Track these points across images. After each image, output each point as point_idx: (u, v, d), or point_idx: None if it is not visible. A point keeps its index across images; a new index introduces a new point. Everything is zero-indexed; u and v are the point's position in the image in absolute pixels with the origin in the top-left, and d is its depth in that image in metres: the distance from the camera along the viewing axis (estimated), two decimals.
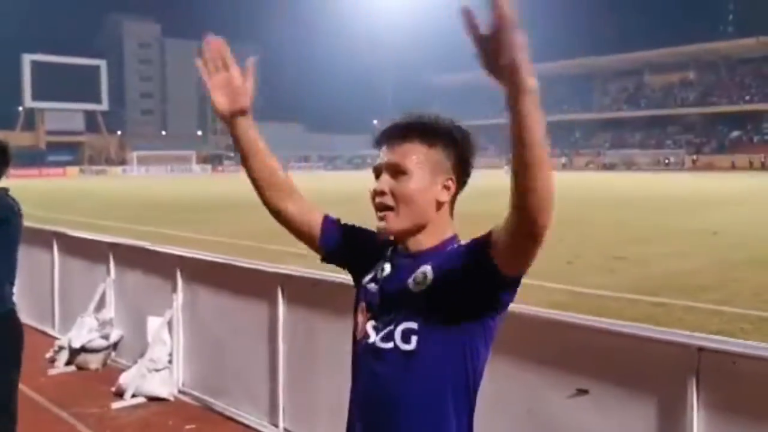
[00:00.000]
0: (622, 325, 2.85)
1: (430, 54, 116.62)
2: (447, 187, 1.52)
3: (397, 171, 1.50)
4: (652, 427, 2.66)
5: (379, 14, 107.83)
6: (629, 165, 73.05)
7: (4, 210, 2.98)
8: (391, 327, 1.49)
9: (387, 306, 1.52)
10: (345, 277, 3.92)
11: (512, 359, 2.96)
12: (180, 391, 5.06)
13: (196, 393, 4.97)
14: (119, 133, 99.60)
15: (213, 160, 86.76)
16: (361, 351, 1.58)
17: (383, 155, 1.54)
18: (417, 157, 1.50)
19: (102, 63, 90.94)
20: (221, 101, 1.63)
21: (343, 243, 1.72)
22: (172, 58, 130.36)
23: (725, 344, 2.55)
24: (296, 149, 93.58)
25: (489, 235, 1.39)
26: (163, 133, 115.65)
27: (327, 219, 1.74)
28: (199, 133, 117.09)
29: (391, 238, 1.57)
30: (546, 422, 2.97)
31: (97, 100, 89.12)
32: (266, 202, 1.72)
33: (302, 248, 1.89)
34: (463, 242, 1.52)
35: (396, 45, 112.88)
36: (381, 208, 1.52)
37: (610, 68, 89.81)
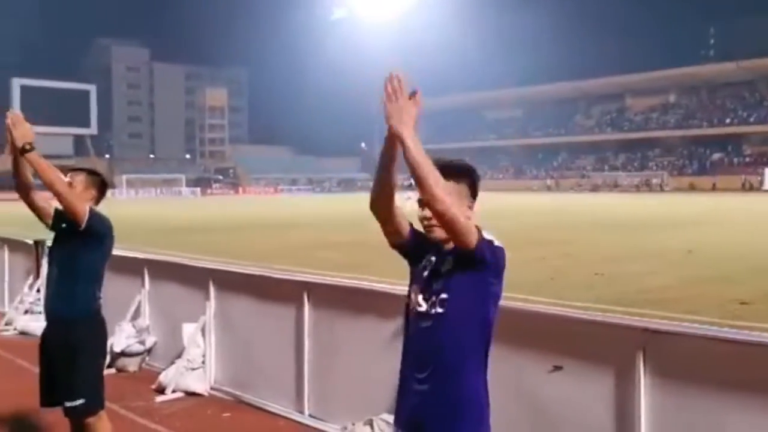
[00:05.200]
0: (585, 313, 3.66)
1: (416, 77, 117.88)
2: (470, 207, 2.32)
3: None
4: (611, 392, 3.46)
5: (367, 38, 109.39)
6: (612, 186, 74.46)
7: (103, 227, 3.73)
8: (434, 298, 2.28)
9: (431, 284, 2.30)
10: (362, 283, 4.73)
11: (502, 345, 3.73)
12: (212, 388, 5.80)
13: (227, 388, 5.71)
14: (107, 156, 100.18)
15: (202, 183, 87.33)
16: (414, 316, 2.35)
17: None
18: (449, 191, 2.26)
19: (92, 87, 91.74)
20: (401, 126, 2.09)
21: (413, 242, 2.43)
22: (160, 82, 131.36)
23: (665, 325, 3.36)
24: (285, 172, 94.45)
25: None
26: (151, 156, 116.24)
27: (412, 226, 2.44)
28: (188, 156, 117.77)
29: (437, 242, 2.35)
30: (530, 393, 3.75)
31: (86, 124, 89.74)
32: (379, 198, 2.31)
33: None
34: None
35: (383, 68, 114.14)
36: (430, 226, 2.31)
37: (593, 92, 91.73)
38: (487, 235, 2.24)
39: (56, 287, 3.74)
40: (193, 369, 5.78)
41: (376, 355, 4.51)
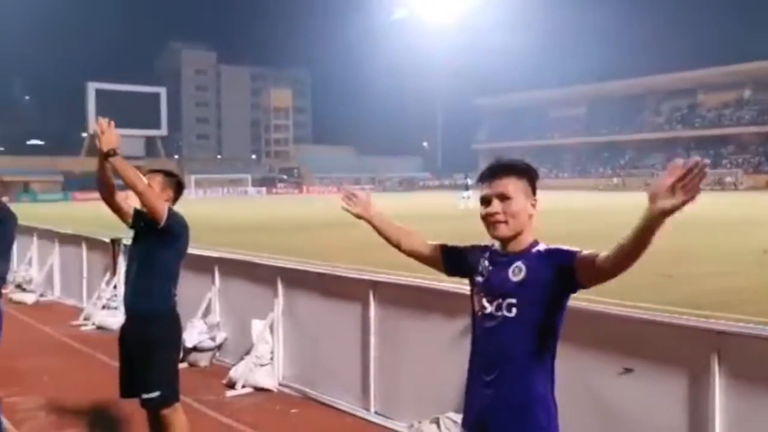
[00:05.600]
0: (657, 315, 3.60)
1: (476, 77, 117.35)
2: (533, 205, 2.31)
3: (503, 197, 2.27)
4: (684, 396, 3.38)
5: (428, 38, 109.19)
6: None
7: (179, 226, 3.87)
8: (500, 301, 2.26)
9: (495, 289, 2.29)
10: (428, 281, 4.73)
11: (571, 345, 3.70)
12: (281, 384, 5.93)
13: (295, 385, 5.82)
14: (176, 157, 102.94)
15: (267, 183, 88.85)
16: (480, 318, 2.35)
17: (489, 188, 2.30)
18: (514, 187, 2.27)
19: (162, 90, 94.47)
20: (359, 211, 2.67)
21: (457, 261, 2.50)
22: (227, 84, 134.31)
23: (740, 328, 3.27)
24: (348, 172, 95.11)
25: (577, 255, 2.16)
26: (218, 156, 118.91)
27: (443, 249, 2.55)
28: (253, 156, 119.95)
29: (497, 242, 2.34)
30: (601, 396, 3.71)
31: (157, 126, 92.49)
32: (404, 253, 2.64)
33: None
34: (542, 245, 2.30)
35: (443, 68, 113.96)
36: (495, 222, 2.29)
37: (663, 88, 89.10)
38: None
39: (135, 284, 3.90)
40: (262, 365, 5.92)
41: (443, 353, 4.53)
